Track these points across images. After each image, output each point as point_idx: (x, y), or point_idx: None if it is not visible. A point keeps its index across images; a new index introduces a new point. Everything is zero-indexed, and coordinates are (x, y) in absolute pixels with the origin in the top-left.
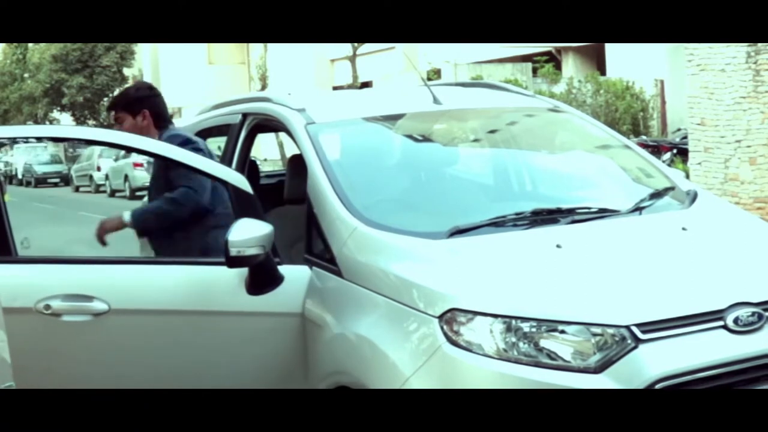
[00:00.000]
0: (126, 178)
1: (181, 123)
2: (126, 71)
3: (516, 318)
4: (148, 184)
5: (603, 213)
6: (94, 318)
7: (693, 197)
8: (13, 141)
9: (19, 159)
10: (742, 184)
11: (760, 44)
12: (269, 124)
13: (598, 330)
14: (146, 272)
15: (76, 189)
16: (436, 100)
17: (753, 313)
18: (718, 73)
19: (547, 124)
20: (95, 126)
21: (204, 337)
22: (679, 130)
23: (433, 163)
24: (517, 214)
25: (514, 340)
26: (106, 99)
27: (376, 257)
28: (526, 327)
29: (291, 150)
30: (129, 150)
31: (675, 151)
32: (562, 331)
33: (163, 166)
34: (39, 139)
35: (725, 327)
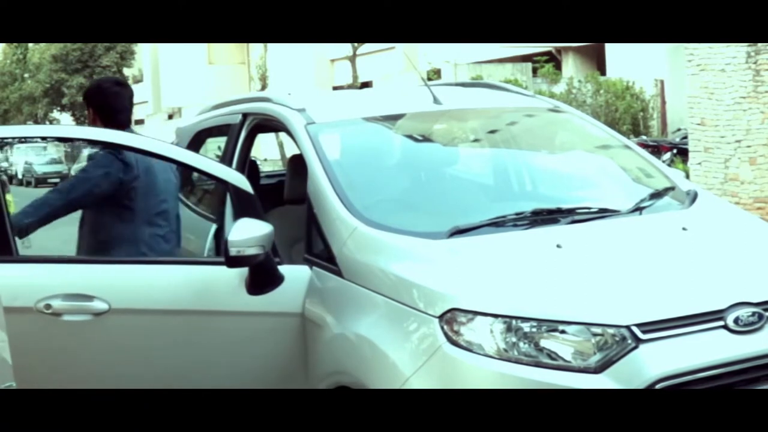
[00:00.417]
0: None
1: (181, 123)
2: (126, 71)
3: (516, 318)
4: None
5: (603, 213)
6: (94, 318)
7: (693, 197)
8: (13, 141)
9: (19, 159)
10: (742, 184)
11: (760, 44)
12: (269, 124)
13: (598, 330)
14: (147, 272)
15: None
16: (436, 100)
17: (753, 313)
18: (718, 73)
19: (547, 124)
20: None
21: (204, 337)
22: (679, 130)
23: (433, 163)
24: (517, 214)
25: (514, 340)
26: None
27: (376, 257)
28: (526, 327)
29: (291, 150)
30: (129, 150)
31: (675, 151)
32: (563, 331)
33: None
34: (44, 139)
35: (725, 327)
